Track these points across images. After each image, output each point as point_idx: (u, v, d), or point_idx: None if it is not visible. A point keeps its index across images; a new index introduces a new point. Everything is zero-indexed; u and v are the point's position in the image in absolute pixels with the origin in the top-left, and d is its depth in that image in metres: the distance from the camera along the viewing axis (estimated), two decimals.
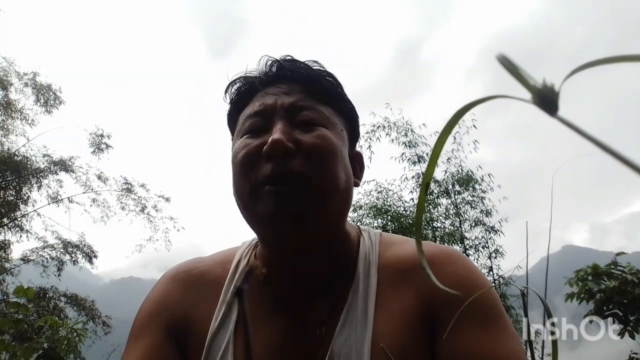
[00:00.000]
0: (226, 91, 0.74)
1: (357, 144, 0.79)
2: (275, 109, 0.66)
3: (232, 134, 0.74)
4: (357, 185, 0.73)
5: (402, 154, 7.32)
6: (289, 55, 0.72)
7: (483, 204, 7.07)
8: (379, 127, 7.29)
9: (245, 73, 0.73)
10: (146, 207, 10.55)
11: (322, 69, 0.73)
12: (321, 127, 0.66)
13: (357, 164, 0.76)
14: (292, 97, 0.67)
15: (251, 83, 0.71)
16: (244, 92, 0.72)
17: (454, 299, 0.60)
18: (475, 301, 0.54)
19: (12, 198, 9.49)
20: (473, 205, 7.10)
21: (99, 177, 10.27)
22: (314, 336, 0.65)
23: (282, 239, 0.65)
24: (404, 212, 7.06)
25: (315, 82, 0.69)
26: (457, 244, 6.83)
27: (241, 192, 0.66)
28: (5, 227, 9.48)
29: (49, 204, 9.94)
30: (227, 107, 0.75)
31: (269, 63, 0.71)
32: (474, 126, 7.06)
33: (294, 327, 0.67)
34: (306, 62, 0.72)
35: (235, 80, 0.74)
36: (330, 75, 0.72)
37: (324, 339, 0.65)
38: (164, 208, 10.58)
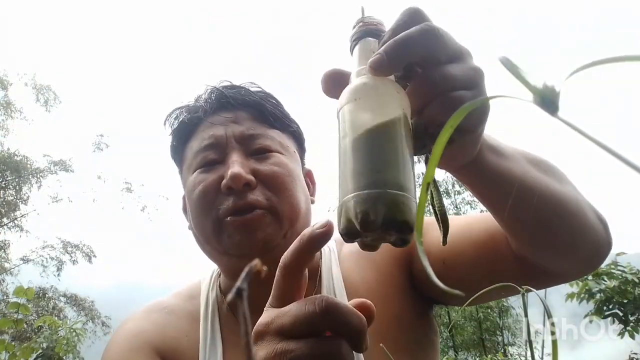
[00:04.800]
0: (165, 122, 0.72)
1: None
2: (227, 139, 0.65)
3: (179, 167, 0.73)
4: (312, 202, 0.73)
5: None
6: (227, 81, 0.72)
7: None
8: None
9: (186, 103, 0.72)
10: (146, 206, 10.58)
11: (261, 90, 0.72)
12: (275, 153, 0.66)
13: (310, 182, 0.77)
14: (241, 125, 0.66)
15: (194, 113, 0.69)
16: (187, 123, 0.69)
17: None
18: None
19: (12, 198, 9.50)
20: (473, 206, 7.13)
21: (99, 177, 10.30)
22: None
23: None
24: None
25: (260, 107, 0.68)
26: None
27: (202, 227, 0.65)
28: (5, 227, 9.49)
29: (49, 204, 9.96)
30: (169, 140, 0.73)
31: (208, 91, 0.70)
32: None
33: None
34: (244, 85, 0.71)
35: (174, 111, 0.72)
36: (271, 96, 0.72)
37: None
38: (164, 208, 10.63)
